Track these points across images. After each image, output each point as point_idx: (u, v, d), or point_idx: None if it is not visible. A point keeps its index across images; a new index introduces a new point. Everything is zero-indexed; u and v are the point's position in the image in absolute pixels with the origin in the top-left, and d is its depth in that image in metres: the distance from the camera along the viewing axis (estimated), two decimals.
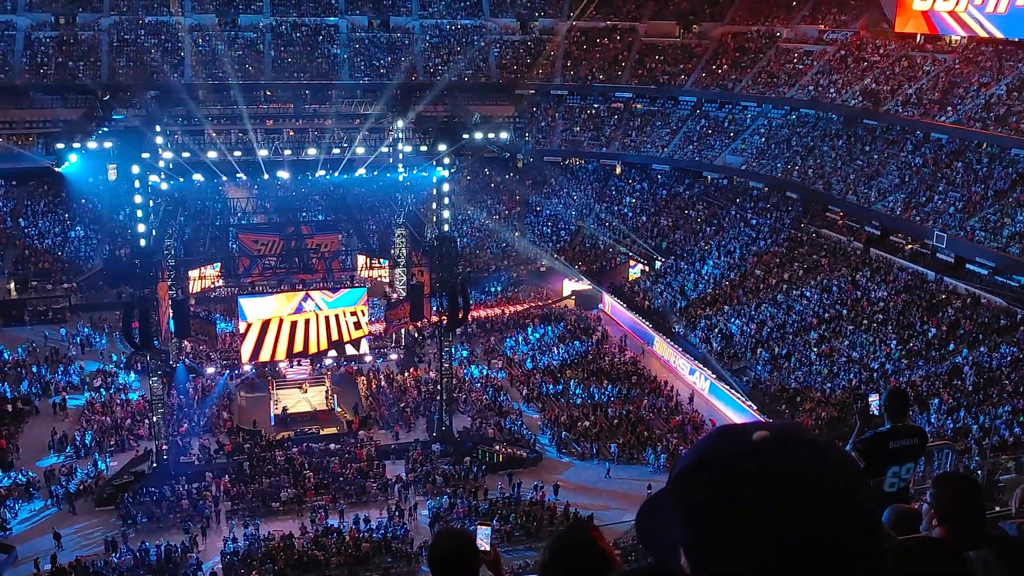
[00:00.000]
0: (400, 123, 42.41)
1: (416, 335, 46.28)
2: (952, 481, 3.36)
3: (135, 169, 34.61)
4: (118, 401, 39.71)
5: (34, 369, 42.04)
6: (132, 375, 41.84)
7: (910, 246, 44.97)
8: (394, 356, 43.93)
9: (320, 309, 39.85)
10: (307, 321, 39.73)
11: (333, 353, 41.01)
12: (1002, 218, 41.35)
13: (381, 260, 47.18)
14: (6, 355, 43.34)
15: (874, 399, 5.77)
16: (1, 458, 34.82)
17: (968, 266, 40.99)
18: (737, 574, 1.20)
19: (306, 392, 40.60)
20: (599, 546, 2.40)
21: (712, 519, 1.22)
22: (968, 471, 21.98)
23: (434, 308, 39.54)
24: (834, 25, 61.97)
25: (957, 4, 51.95)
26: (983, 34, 51.33)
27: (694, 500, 1.25)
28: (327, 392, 40.41)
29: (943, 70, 52.32)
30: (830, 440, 1.28)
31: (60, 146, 39.51)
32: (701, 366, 42.20)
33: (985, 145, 46.24)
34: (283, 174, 40.66)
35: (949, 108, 49.03)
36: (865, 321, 40.91)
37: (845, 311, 42.31)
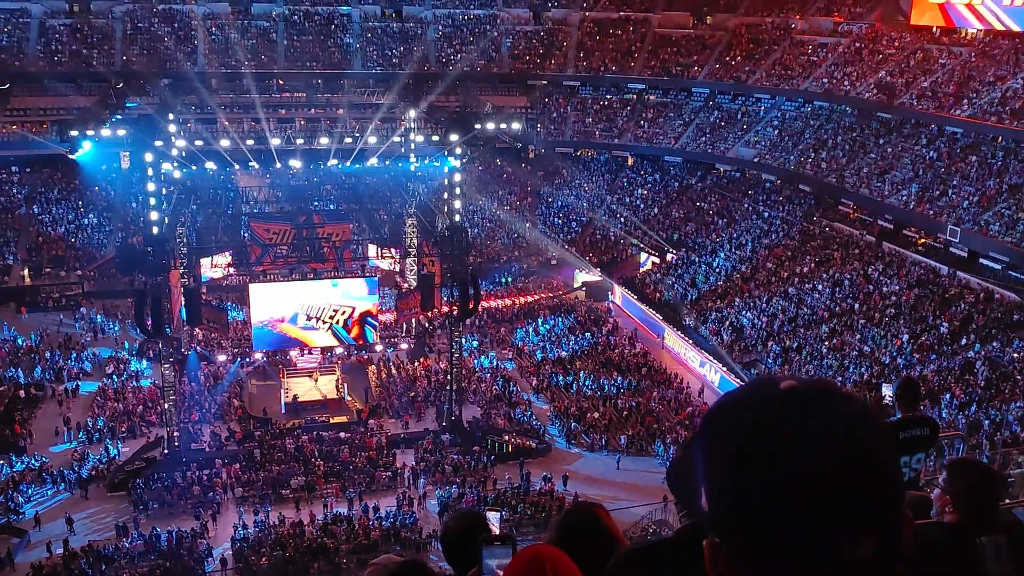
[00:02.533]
0: (412, 113, 42.36)
1: (427, 325, 46.37)
2: (965, 466, 3.35)
3: (148, 157, 34.71)
4: (130, 388, 39.97)
5: (47, 355, 42.32)
6: (144, 362, 42.08)
7: (923, 240, 44.74)
8: (404, 346, 44.02)
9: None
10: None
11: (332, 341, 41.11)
12: (1017, 212, 41.07)
13: (392, 250, 47.22)
14: (20, 341, 43.62)
15: (887, 389, 5.76)
16: (14, 443, 35.12)
17: (982, 261, 40.74)
18: (750, 512, 1.21)
19: (316, 381, 40.75)
20: (605, 525, 2.41)
21: (730, 456, 1.23)
22: None
23: (444, 298, 39.59)
24: (849, 17, 61.55)
25: None
26: (1000, 27, 50.92)
27: (717, 438, 1.27)
28: (337, 381, 40.55)
29: (959, 63, 51.94)
30: (859, 397, 1.29)
31: (74, 133, 39.47)
32: (711, 359, 42.13)
33: (1000, 139, 45.89)
34: (295, 163, 40.71)
35: (964, 101, 48.68)
36: (877, 315, 40.73)
37: (857, 305, 42.13)
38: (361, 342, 41.56)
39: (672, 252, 54.13)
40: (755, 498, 1.21)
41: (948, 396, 33.79)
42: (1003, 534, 2.63)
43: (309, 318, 39.90)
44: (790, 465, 1.20)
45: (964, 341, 36.97)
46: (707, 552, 1.29)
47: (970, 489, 3.07)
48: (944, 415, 32.58)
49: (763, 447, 1.22)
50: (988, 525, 2.73)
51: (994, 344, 36.03)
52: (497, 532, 4.18)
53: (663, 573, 1.76)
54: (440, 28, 66.95)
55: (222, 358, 41.91)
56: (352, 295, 40.45)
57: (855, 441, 1.23)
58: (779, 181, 55.23)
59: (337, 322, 40.29)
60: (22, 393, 38.84)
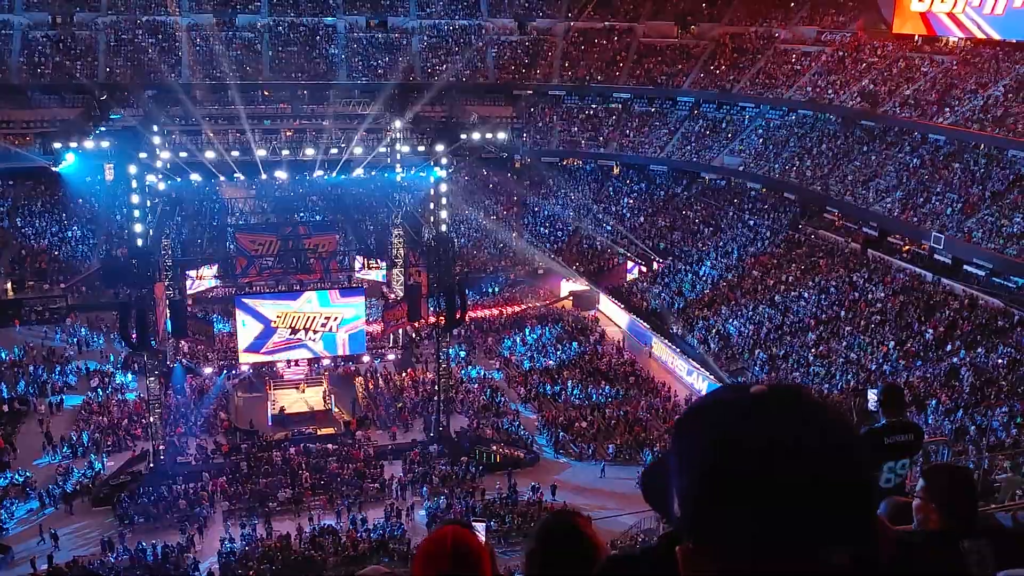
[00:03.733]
0: (398, 123, 42.37)
1: (414, 335, 46.24)
2: (943, 471, 3.34)
3: (132, 169, 34.58)
4: (115, 401, 39.66)
5: (31, 369, 41.98)
6: (129, 375, 41.77)
7: (908, 247, 44.99)
8: (392, 356, 43.90)
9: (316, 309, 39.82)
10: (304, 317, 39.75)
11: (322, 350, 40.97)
12: (1000, 219, 41.38)
13: (379, 260, 47.15)
14: (3, 355, 43.27)
15: (872, 394, 5.77)
16: None
17: (966, 267, 40.99)
18: (721, 519, 1.20)
19: (303, 392, 40.56)
20: (584, 533, 2.39)
21: (701, 462, 1.22)
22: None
23: (431, 308, 39.51)
24: (832, 26, 62.00)
25: (955, 5, 51.99)
26: (981, 35, 51.38)
27: (688, 444, 1.27)
28: (325, 392, 40.37)
29: (941, 71, 52.37)
30: (827, 401, 1.29)
31: (57, 145, 39.51)
32: (699, 367, 42.19)
33: (983, 146, 46.26)
34: (281, 174, 40.64)
35: (947, 109, 49.07)
36: (863, 322, 40.92)
37: (843, 312, 42.32)
38: (348, 353, 41.42)
39: (658, 261, 54.26)
40: (726, 505, 1.20)
41: (934, 402, 33.93)
42: (985, 538, 2.62)
43: (295, 330, 39.73)
44: (760, 472, 1.18)
45: (949, 347, 37.17)
46: (680, 558, 1.27)
47: (949, 494, 3.06)
48: (930, 421, 32.72)
49: (733, 454, 1.20)
50: (970, 530, 2.73)
51: (979, 350, 36.24)
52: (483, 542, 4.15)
53: None
54: (425, 39, 67.06)
55: (208, 370, 41.67)
56: (339, 306, 40.33)
57: (826, 447, 1.21)
58: (764, 189, 55.50)
59: (329, 330, 40.13)
60: (5, 408, 38.49)
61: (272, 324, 39.40)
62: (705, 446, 1.23)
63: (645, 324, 47.78)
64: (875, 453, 5.25)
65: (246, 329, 39.53)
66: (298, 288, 40.66)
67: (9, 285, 50.52)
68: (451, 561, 2.33)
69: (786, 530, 1.17)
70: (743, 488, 1.18)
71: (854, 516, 1.20)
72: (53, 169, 50.30)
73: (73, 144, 36.90)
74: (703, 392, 36.17)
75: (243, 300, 39.79)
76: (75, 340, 45.58)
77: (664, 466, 1.36)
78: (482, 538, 4.39)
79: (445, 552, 2.35)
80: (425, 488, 33.71)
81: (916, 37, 55.91)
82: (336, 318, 40.17)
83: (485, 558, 2.38)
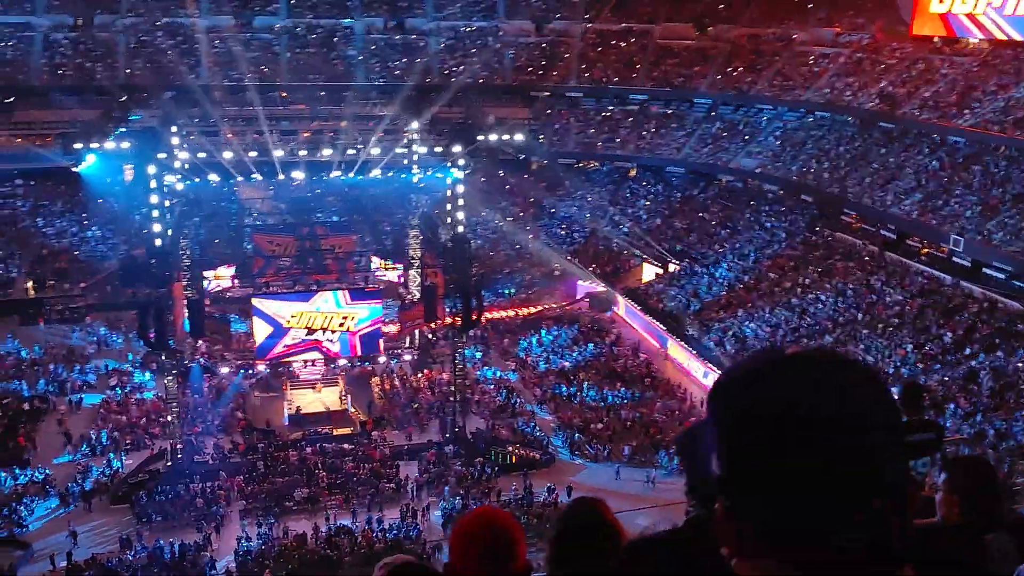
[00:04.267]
0: (415, 124, 42.45)
1: (430, 336, 46.31)
2: (965, 464, 3.34)
3: (151, 169, 34.87)
4: (133, 400, 39.97)
5: (51, 368, 42.33)
6: (147, 374, 42.07)
7: (926, 250, 44.69)
8: (408, 357, 43.99)
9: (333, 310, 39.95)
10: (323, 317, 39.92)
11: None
12: (1020, 222, 41.00)
13: (395, 261, 47.24)
14: (23, 353, 43.65)
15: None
16: (18, 456, 35.10)
17: (985, 270, 40.66)
18: (761, 468, 1.25)
19: (320, 392, 40.70)
20: (607, 519, 2.42)
21: (742, 413, 1.28)
22: None
23: (448, 309, 39.60)
24: (850, 27, 61.62)
25: (975, 6, 51.62)
26: (1001, 36, 50.98)
27: (725, 403, 1.32)
28: (341, 392, 40.51)
29: (961, 73, 51.99)
30: (865, 366, 1.32)
31: (78, 146, 39.78)
32: (715, 369, 42.03)
33: (1003, 148, 45.87)
34: (298, 175, 40.81)
35: (967, 111, 48.71)
36: (880, 325, 40.67)
37: (860, 315, 42.07)
38: (363, 354, 41.54)
39: (675, 263, 54.11)
40: (764, 456, 1.24)
41: (952, 406, 33.67)
42: (1008, 532, 2.62)
43: (312, 330, 39.88)
44: (798, 422, 1.23)
45: (968, 351, 36.88)
46: (718, 516, 1.32)
47: (971, 487, 3.06)
48: (949, 425, 32.46)
49: (773, 400, 1.25)
50: (993, 523, 2.72)
51: (998, 354, 35.92)
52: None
53: (673, 561, 1.77)
54: (442, 40, 67.16)
55: (225, 370, 41.88)
56: (356, 307, 40.45)
57: (864, 400, 1.26)
58: (781, 191, 55.23)
59: (346, 330, 40.24)
60: (26, 406, 38.85)
61: (286, 324, 39.52)
62: (745, 398, 1.29)
63: (661, 326, 47.66)
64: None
65: (258, 331, 39.74)
66: (315, 288, 40.78)
67: (30, 284, 51.00)
68: (489, 540, 2.36)
69: (824, 477, 1.22)
70: (782, 437, 1.23)
71: (889, 461, 1.25)
72: (73, 169, 50.60)
73: (93, 145, 37.17)
74: None
75: (255, 304, 39.94)
76: (94, 339, 45.92)
77: (701, 428, 1.41)
78: None
79: (484, 532, 2.38)
80: (447, 488, 33.77)
81: (935, 38, 55.51)
82: (352, 318, 40.28)
83: (520, 538, 2.42)
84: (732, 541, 1.31)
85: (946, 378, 35.95)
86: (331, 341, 40.30)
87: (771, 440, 1.24)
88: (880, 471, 1.23)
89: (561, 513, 2.52)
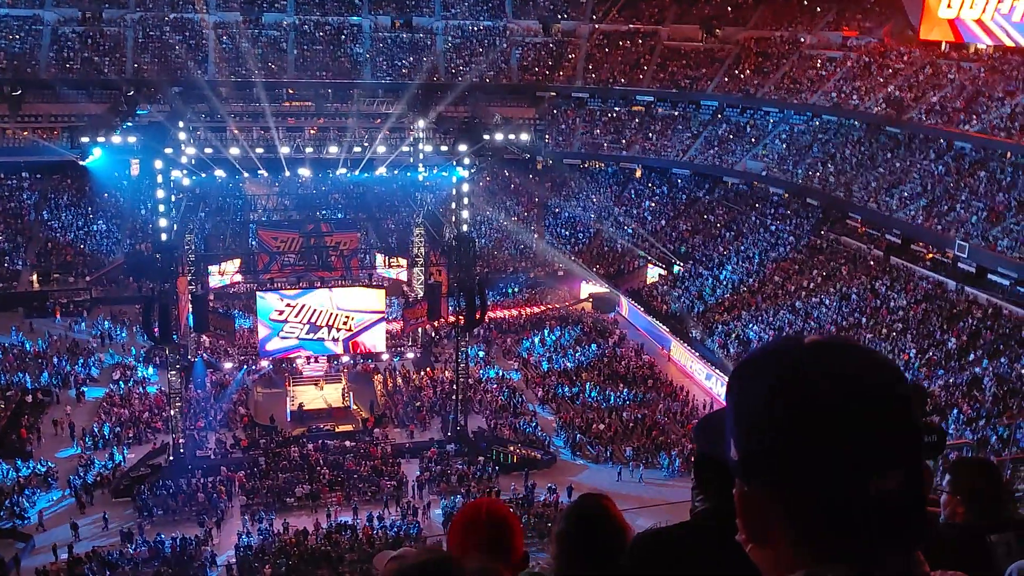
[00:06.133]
0: (421, 123, 42.43)
1: (433, 334, 46.38)
2: (969, 466, 3.35)
3: (158, 164, 34.91)
4: (136, 394, 40.03)
5: (55, 360, 42.43)
6: (151, 369, 42.16)
7: (931, 255, 44.63)
8: (411, 355, 44.03)
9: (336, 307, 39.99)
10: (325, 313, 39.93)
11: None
12: None
13: (400, 259, 47.26)
14: (27, 346, 43.77)
15: None
16: (20, 448, 35.18)
17: (990, 276, 40.62)
18: (781, 448, 1.28)
19: (322, 389, 40.73)
20: (613, 514, 2.44)
21: (764, 394, 1.30)
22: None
23: (451, 308, 39.61)
24: (858, 32, 61.59)
25: (983, 12, 51.53)
26: (1009, 43, 50.87)
27: (749, 381, 1.35)
28: (343, 389, 40.54)
29: (968, 78, 51.89)
30: (878, 353, 1.35)
31: (84, 140, 39.91)
32: (718, 371, 42.03)
33: (1010, 155, 45.81)
34: (304, 172, 40.83)
35: (973, 117, 48.63)
36: (884, 330, 40.64)
37: (864, 319, 42.04)
38: (367, 351, 41.56)
39: (679, 264, 54.10)
40: (786, 433, 1.28)
41: (955, 412, 33.64)
42: (1013, 532, 2.62)
43: (317, 326, 39.90)
44: (820, 400, 1.27)
45: (972, 357, 36.85)
46: (736, 502, 1.35)
47: (974, 487, 3.07)
48: (952, 431, 32.43)
49: (795, 384, 1.29)
50: (997, 523, 2.73)
51: (1002, 360, 35.89)
52: None
53: (681, 555, 1.78)
54: (449, 39, 67.20)
55: (228, 365, 41.97)
56: (360, 304, 40.46)
57: (880, 381, 1.31)
58: (787, 195, 55.20)
59: (349, 330, 40.25)
60: (29, 398, 38.93)
61: (280, 318, 39.40)
62: (767, 380, 1.31)
63: (664, 327, 47.66)
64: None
65: (262, 330, 39.79)
66: (318, 284, 40.83)
67: (35, 277, 51.13)
68: (486, 529, 2.38)
69: (842, 456, 1.25)
70: (802, 417, 1.26)
71: (905, 443, 1.30)
72: (80, 163, 50.82)
73: (100, 139, 37.27)
74: (721, 397, 36.14)
75: (259, 302, 39.98)
76: (98, 333, 46.03)
77: (720, 416, 1.44)
78: None
79: (481, 521, 2.40)
80: (424, 490, 33.75)
81: (943, 44, 55.45)
82: (352, 318, 40.26)
83: (517, 528, 2.43)
84: (751, 525, 1.34)
85: (949, 384, 35.90)
86: (335, 340, 40.30)
87: (786, 422, 1.27)
88: (894, 449, 1.28)
89: (567, 509, 2.53)
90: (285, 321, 39.56)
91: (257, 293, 40.57)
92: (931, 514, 3.37)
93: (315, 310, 39.74)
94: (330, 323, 40.02)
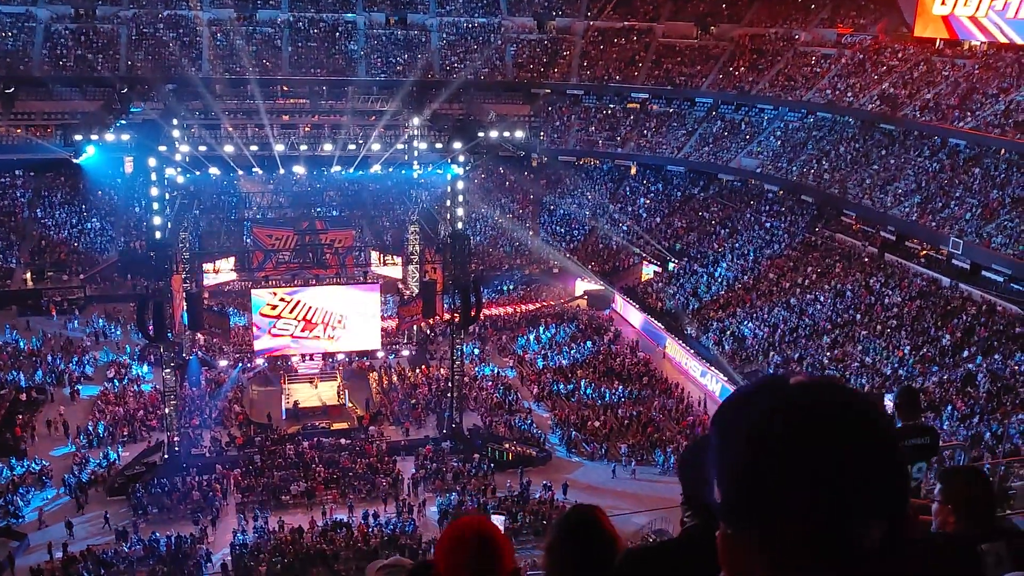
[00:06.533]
0: (416, 120, 42.41)
1: (428, 332, 46.36)
2: (960, 475, 3.35)
3: (152, 162, 34.84)
4: (131, 392, 39.95)
5: (49, 359, 42.33)
6: (145, 367, 42.10)
7: (925, 252, 44.72)
8: (406, 353, 44.03)
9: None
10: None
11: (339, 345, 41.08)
12: (1020, 225, 41.03)
13: (394, 257, 47.22)
14: (22, 344, 43.66)
15: (889, 400, 5.74)
16: (15, 447, 35.10)
17: (984, 273, 40.72)
18: (763, 497, 1.25)
19: (317, 387, 40.71)
20: (604, 526, 2.43)
21: (746, 441, 1.28)
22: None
23: (446, 305, 39.57)
24: (853, 28, 61.65)
25: (977, 9, 51.60)
26: (1004, 40, 50.96)
27: (732, 426, 1.32)
28: (338, 387, 40.52)
29: (962, 75, 51.99)
30: (865, 394, 1.34)
31: (78, 137, 39.71)
32: (713, 368, 42.10)
33: (1004, 151, 45.91)
34: (299, 169, 40.76)
35: (968, 114, 48.72)
36: (878, 326, 40.72)
37: (859, 316, 42.12)
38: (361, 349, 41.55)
39: (674, 261, 54.13)
40: (768, 482, 1.25)
41: (949, 408, 33.73)
42: (1003, 541, 2.62)
43: (311, 324, 39.86)
44: (802, 447, 1.24)
45: (966, 353, 36.94)
46: (720, 543, 1.32)
47: (967, 497, 3.07)
48: (945, 427, 32.51)
49: (777, 431, 1.26)
50: (988, 532, 2.73)
51: (996, 356, 35.99)
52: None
53: (669, 572, 1.78)
54: (444, 36, 67.12)
55: (223, 363, 41.92)
56: (355, 302, 40.43)
57: (865, 426, 1.28)
58: (781, 192, 55.26)
59: (343, 327, 40.20)
60: (23, 396, 38.84)
61: (273, 314, 39.36)
62: (750, 426, 1.28)
63: (659, 324, 47.70)
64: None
65: (257, 329, 39.78)
66: (313, 282, 40.79)
67: (28, 275, 50.99)
68: (475, 549, 2.37)
69: (826, 506, 1.23)
70: (785, 465, 1.24)
71: (890, 493, 1.27)
72: (74, 161, 50.65)
73: (94, 136, 37.10)
74: (716, 393, 36.06)
75: (254, 298, 39.97)
76: (92, 331, 45.94)
77: (701, 452, 1.41)
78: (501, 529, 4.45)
79: (469, 540, 2.39)
80: (420, 487, 33.75)
81: (938, 41, 55.52)
82: (346, 314, 40.21)
83: (507, 547, 2.42)
84: (733, 568, 1.31)
85: (943, 380, 36.00)
86: (329, 338, 40.27)
87: (770, 467, 1.25)
88: (879, 498, 1.25)
89: (557, 521, 2.52)
90: (279, 318, 39.52)
91: (251, 291, 40.52)
92: (923, 523, 3.38)
93: (309, 307, 39.70)
94: (324, 321, 39.98)
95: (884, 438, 1.29)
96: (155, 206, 34.95)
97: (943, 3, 53.70)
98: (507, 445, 36.48)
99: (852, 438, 1.26)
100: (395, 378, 42.24)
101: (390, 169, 41.45)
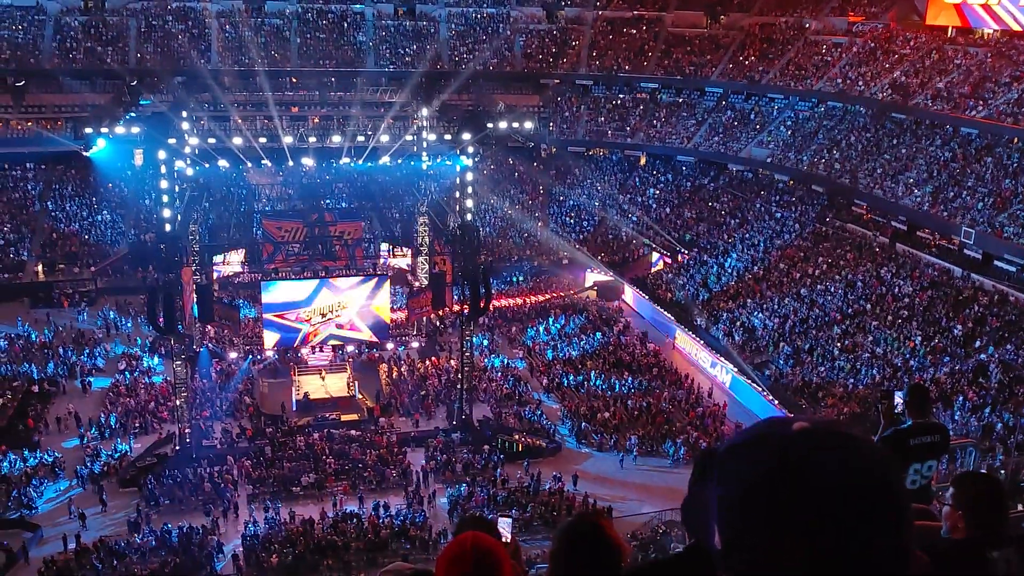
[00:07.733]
0: (425, 111, 42.40)
1: (438, 323, 46.41)
2: (973, 480, 3.32)
3: (161, 154, 34.93)
4: (142, 384, 40.13)
5: (61, 351, 42.55)
6: (156, 359, 42.26)
7: (937, 242, 44.47)
8: (415, 344, 44.07)
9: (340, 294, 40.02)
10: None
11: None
12: None
13: (404, 248, 47.29)
14: (34, 336, 43.89)
15: (898, 396, 5.70)
16: (27, 438, 35.33)
17: (996, 263, 40.46)
18: (762, 549, 1.23)
19: (326, 379, 40.81)
20: (607, 535, 2.41)
21: (744, 493, 1.26)
22: (992, 470, 21.79)
23: (456, 297, 39.61)
24: (864, 17, 61.25)
25: None
26: (1016, 27, 50.56)
27: (731, 476, 1.29)
28: (348, 379, 40.61)
29: (974, 64, 51.60)
30: (868, 437, 1.30)
31: (88, 130, 40.00)
32: (723, 359, 42.02)
33: (1016, 140, 45.51)
34: (308, 161, 40.84)
35: (980, 102, 48.37)
36: (890, 317, 40.54)
37: (869, 306, 41.94)
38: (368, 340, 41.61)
39: (684, 252, 54.00)
40: (768, 531, 1.23)
41: (961, 399, 33.60)
42: (1014, 548, 2.60)
43: (322, 315, 39.96)
44: (804, 499, 1.22)
45: (977, 344, 36.76)
46: None
47: (978, 503, 3.04)
48: (957, 418, 32.40)
49: (776, 485, 1.24)
50: (998, 539, 2.71)
51: (1008, 347, 35.81)
52: (509, 538, 4.20)
53: None
54: (453, 27, 66.97)
55: (233, 355, 42.05)
56: (364, 294, 40.50)
57: (869, 477, 1.25)
58: (792, 182, 55.02)
59: (351, 320, 40.30)
60: (35, 388, 39.08)
61: (283, 307, 39.48)
62: (748, 478, 1.26)
63: (669, 315, 47.62)
64: (900, 455, 5.21)
65: (271, 313, 39.86)
66: (323, 274, 40.87)
67: (39, 268, 51.23)
68: (472, 565, 2.37)
69: (827, 560, 1.20)
70: (785, 520, 1.21)
71: (893, 547, 1.24)
72: (84, 154, 50.92)
73: (104, 129, 37.37)
74: (727, 385, 36.05)
75: (269, 285, 40.07)
76: (103, 323, 46.14)
77: (703, 496, 1.39)
78: (507, 535, 4.43)
79: (466, 556, 2.39)
80: (430, 479, 33.80)
81: (950, 29, 55.12)
82: (350, 306, 40.27)
83: (506, 562, 2.42)
84: None
85: (955, 371, 35.85)
86: (339, 327, 40.36)
87: (766, 526, 1.22)
88: (880, 550, 1.22)
89: (561, 529, 2.51)
90: (289, 310, 39.62)
91: (261, 282, 40.63)
92: (932, 528, 3.36)
93: (319, 299, 39.78)
94: (334, 312, 40.07)
95: (889, 495, 1.25)
96: (165, 198, 35.06)
97: None
98: (517, 436, 36.51)
99: (853, 491, 1.23)
100: (405, 369, 42.30)
101: (399, 160, 41.50)
